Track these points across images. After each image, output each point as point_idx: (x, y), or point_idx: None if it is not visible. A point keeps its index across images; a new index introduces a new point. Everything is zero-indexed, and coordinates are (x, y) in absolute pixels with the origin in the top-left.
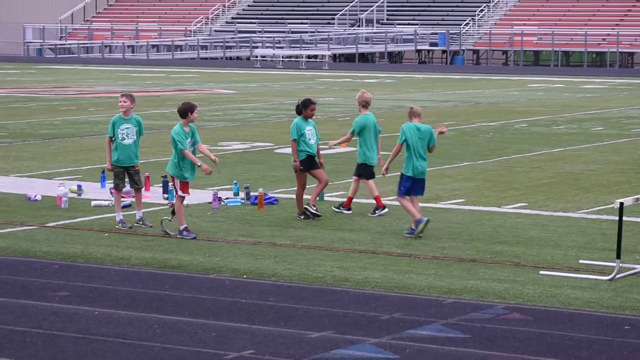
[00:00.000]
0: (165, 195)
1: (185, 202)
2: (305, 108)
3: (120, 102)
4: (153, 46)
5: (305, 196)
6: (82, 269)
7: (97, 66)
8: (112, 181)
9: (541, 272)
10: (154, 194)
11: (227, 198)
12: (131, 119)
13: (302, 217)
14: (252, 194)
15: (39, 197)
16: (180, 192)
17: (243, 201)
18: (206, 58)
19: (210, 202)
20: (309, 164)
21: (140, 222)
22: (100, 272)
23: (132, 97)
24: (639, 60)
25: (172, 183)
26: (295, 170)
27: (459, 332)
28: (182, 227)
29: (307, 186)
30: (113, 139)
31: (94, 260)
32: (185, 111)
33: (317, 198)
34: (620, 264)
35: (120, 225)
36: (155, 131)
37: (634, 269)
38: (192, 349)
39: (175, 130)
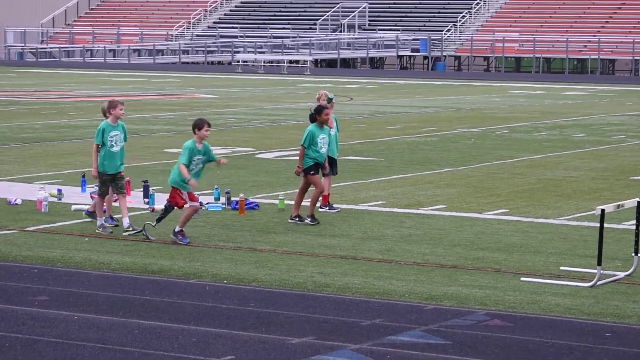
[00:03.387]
0: (146, 200)
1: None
2: (319, 114)
3: (122, 109)
4: (134, 50)
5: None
6: (61, 274)
7: (78, 70)
8: (92, 186)
9: (522, 278)
10: (134, 199)
11: (208, 203)
12: (118, 125)
13: (295, 221)
14: (233, 199)
15: (19, 201)
16: (190, 203)
17: (224, 206)
18: (188, 62)
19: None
20: (314, 170)
21: (130, 229)
22: (80, 276)
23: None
24: (620, 67)
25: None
26: (297, 174)
27: (439, 339)
28: (177, 229)
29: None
30: (100, 146)
31: (73, 264)
32: (193, 127)
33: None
34: (601, 271)
35: (101, 229)
36: (137, 135)
37: (614, 275)
38: (172, 355)
39: (185, 143)
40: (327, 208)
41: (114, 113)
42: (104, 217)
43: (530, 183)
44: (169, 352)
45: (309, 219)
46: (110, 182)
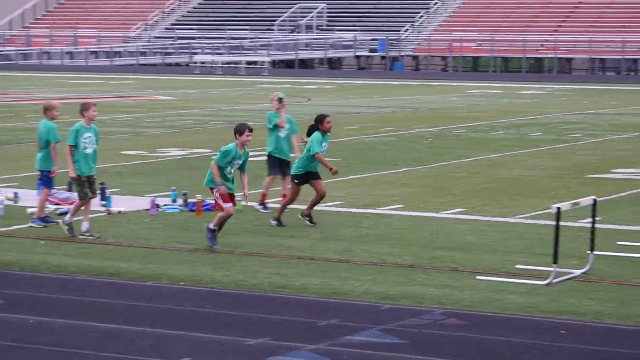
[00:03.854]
0: (103, 202)
1: (122, 209)
2: (321, 123)
3: (95, 111)
4: (92, 52)
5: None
6: (17, 277)
7: (36, 73)
8: (57, 189)
9: (478, 277)
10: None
11: (165, 205)
12: (91, 127)
13: (276, 223)
14: (190, 200)
15: None
16: (224, 205)
17: (181, 208)
18: (145, 64)
19: (148, 209)
20: (307, 178)
21: (88, 234)
22: (36, 280)
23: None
24: (577, 66)
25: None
26: (335, 173)
27: (396, 338)
28: (211, 226)
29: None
30: (73, 147)
31: (29, 268)
32: (235, 132)
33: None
34: (557, 269)
35: (88, 234)
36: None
37: (570, 273)
38: (129, 357)
39: (225, 146)
40: (262, 207)
41: (86, 115)
42: (45, 217)
43: (487, 182)
44: (126, 355)
45: (307, 219)
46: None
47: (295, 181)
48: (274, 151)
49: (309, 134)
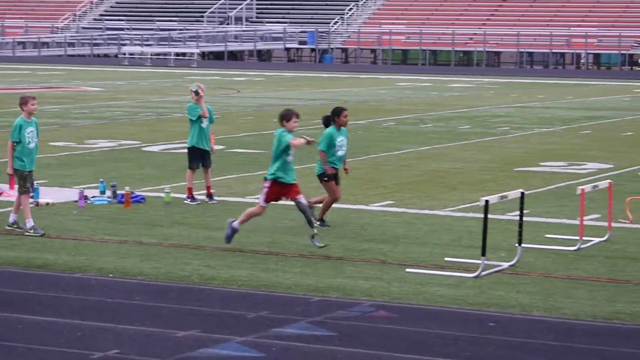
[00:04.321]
0: (31, 194)
1: (50, 200)
2: (337, 116)
3: (34, 104)
4: (19, 43)
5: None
6: None
7: None
8: None
9: (407, 269)
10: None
11: (93, 196)
12: (32, 121)
13: (320, 223)
14: (118, 192)
15: None
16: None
17: (110, 200)
18: (73, 55)
19: (76, 201)
20: (328, 176)
21: (15, 226)
22: None
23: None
24: (505, 59)
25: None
26: (327, 179)
27: (325, 330)
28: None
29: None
30: (16, 143)
31: None
32: (281, 119)
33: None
34: (485, 262)
35: (32, 232)
36: None
37: (498, 266)
38: (57, 349)
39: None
40: (208, 199)
41: (26, 109)
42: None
43: (416, 175)
44: (54, 347)
45: (318, 223)
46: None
47: (325, 179)
48: (197, 143)
49: (325, 125)
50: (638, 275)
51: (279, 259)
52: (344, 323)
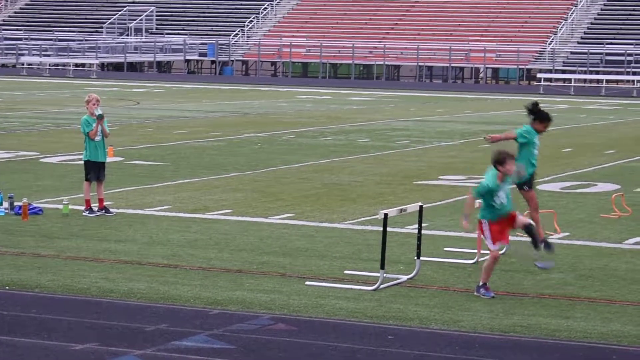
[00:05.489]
0: None
1: None
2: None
3: None
4: None
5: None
6: None
7: None
8: None
9: (307, 282)
10: None
11: None
12: None
13: (543, 245)
14: (16, 203)
15: None
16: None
17: (7, 211)
18: None
19: None
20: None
21: None
22: None
23: None
24: (405, 73)
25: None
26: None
27: (224, 343)
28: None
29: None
30: None
31: None
32: (495, 162)
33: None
34: (384, 274)
35: None
36: None
37: (397, 279)
38: None
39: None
40: (104, 212)
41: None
42: None
43: (316, 187)
44: None
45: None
46: None
47: (525, 188)
48: (91, 156)
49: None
50: (534, 288)
51: (178, 272)
52: (243, 336)
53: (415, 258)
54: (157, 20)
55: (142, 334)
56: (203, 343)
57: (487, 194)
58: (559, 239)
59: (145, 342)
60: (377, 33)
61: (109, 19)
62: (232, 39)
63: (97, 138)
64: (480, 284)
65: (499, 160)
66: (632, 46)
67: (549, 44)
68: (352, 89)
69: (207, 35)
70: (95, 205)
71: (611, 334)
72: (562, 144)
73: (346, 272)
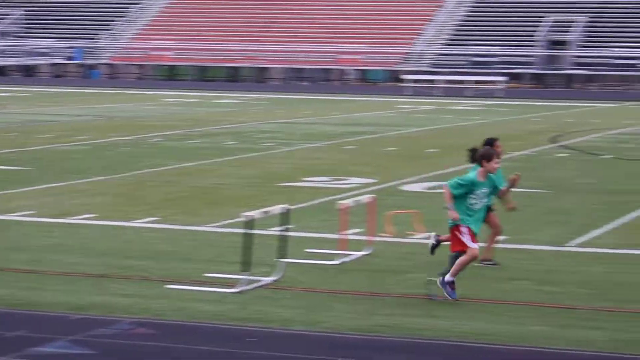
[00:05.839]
0: None
1: None
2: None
3: None
4: None
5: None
6: None
7: None
8: None
9: (168, 285)
10: None
11: None
12: None
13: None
14: None
15: None
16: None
17: None
18: None
19: None
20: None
21: None
22: None
23: None
24: (273, 75)
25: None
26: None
27: (85, 349)
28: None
29: None
30: None
31: None
32: (480, 157)
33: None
34: (248, 277)
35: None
36: None
37: (260, 281)
38: None
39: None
40: None
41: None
42: None
43: (181, 191)
44: None
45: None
46: None
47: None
48: None
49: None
50: (397, 288)
51: (38, 277)
52: (104, 341)
53: (279, 260)
54: (24, 23)
55: (1, 341)
56: (64, 349)
57: (466, 189)
58: (420, 238)
59: (4, 349)
60: (247, 36)
61: None
62: (99, 42)
63: None
64: (449, 278)
65: (486, 156)
66: (499, 48)
67: (415, 45)
68: (219, 91)
69: (74, 38)
70: None
71: (477, 332)
72: (427, 144)
73: (208, 274)
